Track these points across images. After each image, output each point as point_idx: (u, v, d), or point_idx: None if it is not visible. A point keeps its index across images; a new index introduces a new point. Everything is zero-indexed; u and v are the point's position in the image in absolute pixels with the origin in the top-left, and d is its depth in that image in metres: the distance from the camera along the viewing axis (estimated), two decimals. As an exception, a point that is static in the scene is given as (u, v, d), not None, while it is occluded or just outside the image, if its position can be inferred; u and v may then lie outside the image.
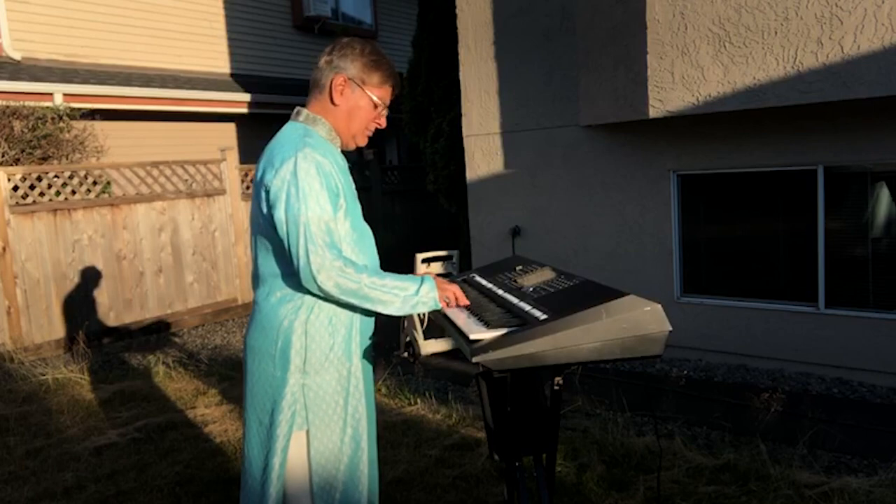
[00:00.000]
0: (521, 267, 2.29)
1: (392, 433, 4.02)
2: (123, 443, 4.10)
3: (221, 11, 10.52)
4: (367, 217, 2.53)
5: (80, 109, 7.84)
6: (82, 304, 6.87)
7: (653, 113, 4.85)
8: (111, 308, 7.10)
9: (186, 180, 7.81)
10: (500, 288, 2.12)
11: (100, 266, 7.00)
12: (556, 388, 2.04)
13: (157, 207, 7.48)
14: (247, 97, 9.90)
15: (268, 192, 1.88)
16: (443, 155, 7.63)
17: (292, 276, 1.88)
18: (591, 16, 5.36)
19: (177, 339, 7.05)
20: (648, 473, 3.35)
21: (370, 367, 2.12)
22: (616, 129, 5.61)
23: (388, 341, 5.86)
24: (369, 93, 2.00)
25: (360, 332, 2.01)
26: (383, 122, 2.08)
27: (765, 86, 4.40)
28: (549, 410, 2.12)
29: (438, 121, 7.77)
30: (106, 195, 7.15)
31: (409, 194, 10.65)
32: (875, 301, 4.73)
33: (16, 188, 6.45)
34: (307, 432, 1.93)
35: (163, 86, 9.01)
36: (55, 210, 6.66)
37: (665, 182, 5.44)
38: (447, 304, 1.99)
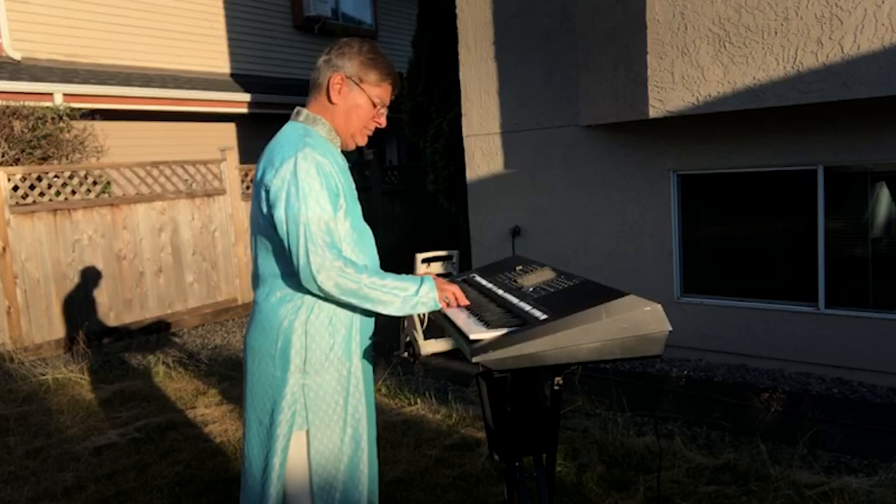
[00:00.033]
0: (521, 267, 2.29)
1: (392, 433, 4.02)
2: (123, 443, 4.10)
3: (221, 11, 10.52)
4: (367, 217, 2.53)
5: (80, 109, 7.84)
6: (82, 304, 6.87)
7: (653, 113, 4.85)
8: (111, 308, 7.10)
9: (186, 180, 7.82)
10: (500, 288, 2.12)
11: (100, 266, 7.00)
12: (556, 388, 2.04)
13: (157, 207, 7.48)
14: (247, 97, 9.90)
15: (268, 192, 1.88)
16: (443, 155, 7.63)
17: (292, 276, 1.88)
18: (591, 16, 5.36)
19: (177, 339, 7.05)
20: (648, 473, 3.35)
21: (370, 367, 2.12)
22: (616, 129, 5.61)
23: (388, 341, 5.86)
24: (367, 91, 2.00)
25: (360, 332, 2.01)
26: (383, 122, 2.07)
27: (765, 86, 4.40)
28: (549, 410, 2.12)
29: (438, 121, 7.77)
30: (106, 195, 7.15)
31: (409, 194, 10.65)
32: (875, 301, 4.73)
33: (16, 188, 6.45)
34: (307, 432, 1.93)
35: (163, 86, 9.01)
36: (55, 210, 6.66)
37: (665, 182, 5.44)
38: (447, 305, 1.99)
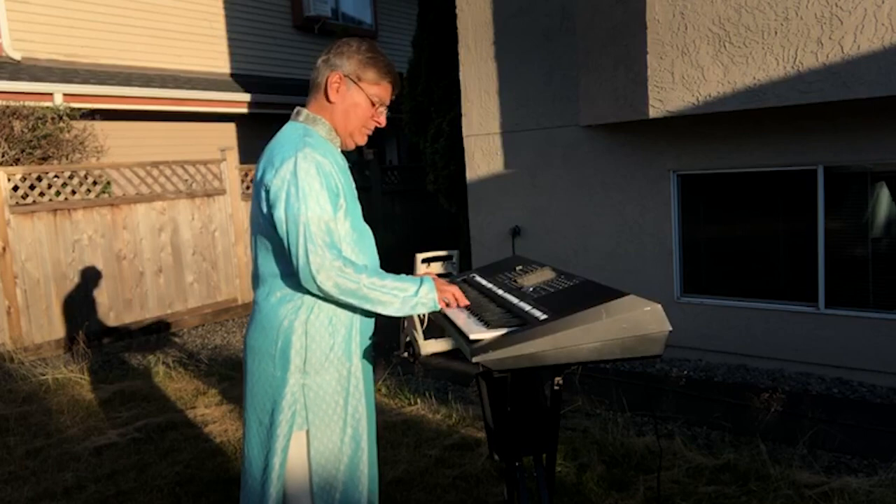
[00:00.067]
0: (521, 267, 2.29)
1: (392, 433, 4.02)
2: (123, 443, 4.10)
3: (221, 11, 10.52)
4: (367, 217, 2.53)
5: (80, 109, 7.84)
6: (82, 304, 6.87)
7: (653, 113, 4.85)
8: (111, 308, 7.10)
9: (186, 180, 7.82)
10: (500, 288, 2.12)
11: (100, 266, 7.00)
12: (556, 388, 2.04)
13: (157, 207, 7.48)
14: (247, 97, 9.90)
15: (268, 192, 1.88)
16: (443, 155, 7.63)
17: (292, 276, 1.88)
18: (591, 16, 5.36)
19: (177, 339, 7.05)
20: (648, 473, 3.35)
21: (370, 367, 2.12)
22: (616, 129, 5.61)
23: (388, 341, 5.86)
24: (365, 89, 2.00)
25: (360, 332, 2.01)
26: (382, 121, 2.07)
27: (765, 86, 4.40)
28: (549, 410, 2.12)
29: (438, 121, 7.77)
30: (106, 195, 7.15)
31: (409, 194, 10.65)
32: (875, 301, 4.73)
33: (16, 188, 6.45)
34: (307, 432, 1.93)
35: (163, 86, 9.01)
36: (55, 210, 6.66)
37: (665, 182, 5.44)
38: (446, 306, 1.99)
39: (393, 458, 3.67)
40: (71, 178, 6.86)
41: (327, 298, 1.89)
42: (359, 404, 2.00)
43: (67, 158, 7.62)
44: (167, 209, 7.57)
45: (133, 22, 9.43)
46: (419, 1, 8.24)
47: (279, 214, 1.84)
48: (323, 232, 1.83)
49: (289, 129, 1.99)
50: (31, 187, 6.53)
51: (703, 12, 4.55)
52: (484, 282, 2.27)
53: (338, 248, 1.85)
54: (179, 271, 7.70)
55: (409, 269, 4.33)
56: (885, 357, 4.65)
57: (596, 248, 5.87)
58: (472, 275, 2.44)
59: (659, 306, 1.65)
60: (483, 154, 6.45)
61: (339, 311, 1.95)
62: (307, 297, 1.91)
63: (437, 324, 2.11)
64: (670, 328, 1.66)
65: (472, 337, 1.70)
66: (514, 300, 1.94)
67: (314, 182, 1.84)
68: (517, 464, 2.14)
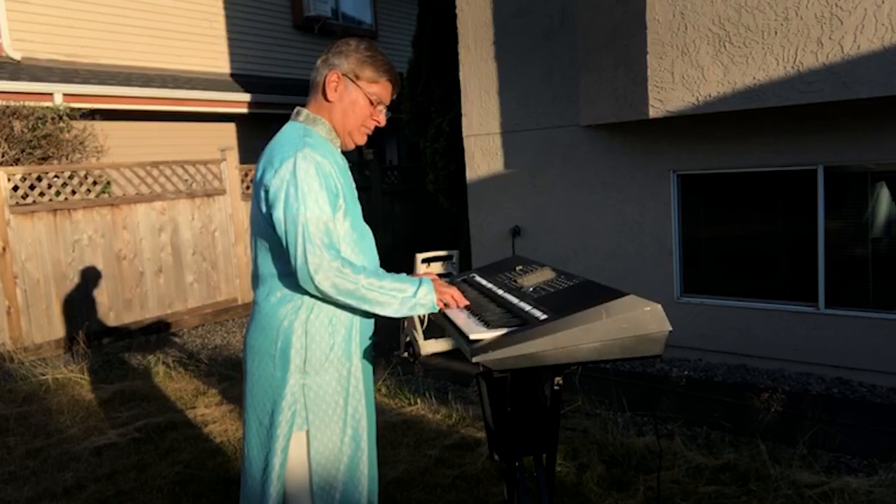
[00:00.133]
0: (521, 267, 2.29)
1: (392, 433, 4.02)
2: (123, 443, 4.10)
3: (221, 11, 10.52)
4: (367, 217, 2.53)
5: (80, 109, 7.84)
6: (82, 304, 6.87)
7: (653, 113, 4.85)
8: (111, 308, 7.10)
9: (186, 180, 7.82)
10: (500, 288, 2.12)
11: (100, 266, 7.00)
12: (556, 388, 2.04)
13: (157, 207, 7.48)
14: (247, 97, 9.90)
15: (267, 192, 1.88)
16: (443, 155, 7.63)
17: (292, 276, 1.88)
18: (591, 16, 5.36)
19: (177, 339, 7.05)
20: (648, 473, 3.35)
21: (370, 367, 2.12)
22: (616, 129, 5.61)
23: (388, 341, 5.86)
24: (364, 88, 2.00)
25: (360, 332, 2.01)
26: (382, 120, 2.07)
27: (765, 86, 4.40)
28: (549, 410, 2.12)
29: (438, 121, 7.77)
30: (106, 195, 7.15)
31: (409, 194, 10.65)
32: (875, 301, 4.73)
33: (16, 188, 6.45)
34: (307, 432, 1.93)
35: (163, 86, 9.01)
36: (55, 210, 6.66)
37: (665, 182, 5.44)
38: (445, 307, 1.99)
39: (393, 458, 3.67)
40: (71, 178, 6.86)
41: (326, 299, 1.89)
42: (359, 404, 2.00)
43: (67, 158, 7.62)
44: (167, 209, 7.57)
45: (133, 22, 9.43)
46: (419, 1, 8.24)
47: (278, 214, 1.84)
48: (321, 232, 1.82)
49: (289, 130, 1.99)
50: (31, 187, 6.53)
51: (703, 12, 4.55)
52: (484, 282, 2.27)
53: (336, 248, 1.85)
54: (179, 271, 7.70)
55: (409, 269, 4.33)
56: (885, 357, 4.65)
57: (596, 248, 5.87)
58: (472, 275, 2.44)
59: (659, 306, 1.65)
60: (483, 154, 6.45)
61: (339, 311, 1.95)
62: (307, 298, 1.91)
63: (437, 324, 2.11)
64: (670, 328, 1.66)
65: (472, 337, 1.70)
66: (514, 300, 1.94)
67: (313, 182, 1.84)
68: (517, 464, 2.14)
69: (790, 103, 4.35)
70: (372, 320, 2.07)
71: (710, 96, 4.60)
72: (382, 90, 2.03)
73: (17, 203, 6.42)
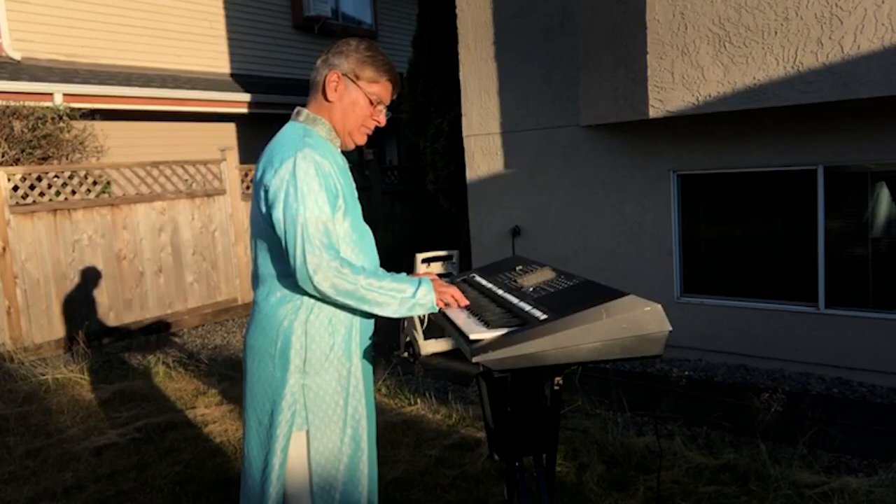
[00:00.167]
0: (521, 267, 2.29)
1: (392, 433, 4.02)
2: (123, 443, 4.10)
3: (221, 11, 10.52)
4: (367, 217, 2.53)
5: (80, 109, 7.84)
6: (82, 304, 6.87)
7: (653, 113, 4.85)
8: (111, 308, 7.10)
9: (186, 180, 7.82)
10: (500, 288, 2.12)
11: (100, 266, 7.00)
12: (556, 388, 2.04)
13: (157, 207, 7.48)
14: (247, 97, 9.90)
15: (266, 192, 1.88)
16: (443, 155, 7.63)
17: (292, 276, 1.88)
18: (591, 16, 5.36)
19: (177, 339, 7.05)
20: (648, 473, 3.35)
21: (370, 367, 2.12)
22: (616, 129, 5.61)
23: (388, 341, 5.86)
24: (364, 88, 2.00)
25: (360, 332, 2.01)
26: (382, 120, 2.07)
27: (765, 86, 4.40)
28: (549, 410, 2.12)
29: (438, 121, 7.77)
30: (106, 195, 7.15)
31: (409, 194, 10.65)
32: (875, 301, 4.73)
33: (16, 188, 6.45)
34: (307, 432, 1.93)
35: (163, 86, 9.01)
36: (55, 210, 6.66)
37: (665, 182, 5.44)
38: (445, 306, 1.99)
39: (393, 458, 3.67)
40: (71, 178, 6.86)
41: (325, 299, 1.88)
42: (359, 404, 2.00)
43: (67, 158, 7.62)
44: (167, 209, 7.57)
45: (133, 22, 9.43)
46: (419, 1, 8.24)
47: (277, 215, 1.84)
48: (321, 233, 1.82)
49: (289, 130, 1.99)
50: (31, 187, 6.53)
51: (703, 12, 4.55)
52: (484, 282, 2.27)
53: (335, 248, 1.85)
54: (179, 271, 7.70)
55: (409, 269, 4.33)
56: (885, 357, 4.65)
57: (596, 248, 5.87)
58: (472, 275, 2.43)
59: (659, 306, 1.65)
60: (483, 154, 6.45)
61: (339, 311, 1.95)
62: (307, 298, 1.91)
63: (437, 324, 2.11)
64: (670, 328, 1.65)
65: (472, 337, 1.70)
66: (514, 300, 1.94)
67: (313, 183, 1.84)
68: (517, 464, 2.14)
69: (790, 103, 4.35)
70: (372, 320, 2.07)
71: (710, 96, 4.60)
72: (382, 90, 2.03)
73: (17, 203, 6.42)
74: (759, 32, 4.37)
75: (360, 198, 2.16)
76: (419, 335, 5.43)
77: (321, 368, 1.92)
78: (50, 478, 3.67)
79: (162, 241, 7.53)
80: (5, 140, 7.04)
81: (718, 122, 5.09)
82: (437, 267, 5.71)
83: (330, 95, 1.99)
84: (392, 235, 10.11)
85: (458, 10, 6.46)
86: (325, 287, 1.82)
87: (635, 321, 1.64)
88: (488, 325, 1.77)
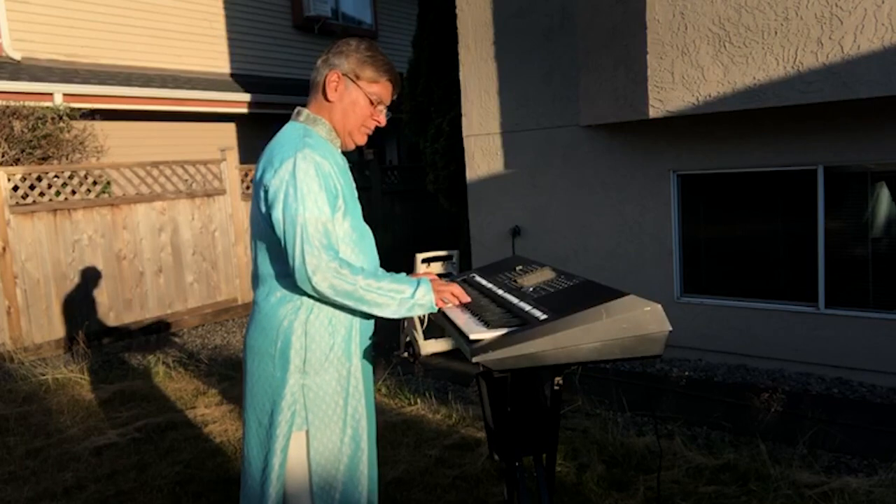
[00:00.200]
0: (521, 267, 2.29)
1: (392, 433, 4.02)
2: (123, 443, 4.10)
3: (221, 11, 10.52)
4: (367, 217, 2.53)
5: (80, 109, 7.84)
6: (82, 304, 6.87)
7: (653, 113, 4.85)
8: (111, 308, 7.10)
9: (186, 180, 7.82)
10: (500, 288, 2.12)
11: (100, 266, 7.00)
12: (556, 388, 2.04)
13: (157, 207, 7.48)
14: (247, 97, 9.90)
15: (266, 192, 1.88)
16: (443, 155, 7.63)
17: (291, 276, 1.88)
18: (591, 16, 5.36)
19: (177, 339, 7.05)
20: (648, 473, 3.35)
21: (370, 367, 2.12)
22: (616, 129, 5.61)
23: (388, 341, 5.86)
24: (364, 88, 2.00)
25: (360, 332, 2.01)
26: (382, 120, 2.07)
27: (765, 86, 4.40)
28: (549, 410, 2.12)
29: (438, 121, 7.77)
30: (106, 195, 7.15)
31: (409, 194, 10.65)
32: (875, 301, 4.73)
33: (16, 188, 6.45)
34: (307, 432, 1.93)
35: (163, 86, 9.01)
36: (55, 210, 6.66)
37: (665, 182, 5.44)
38: (444, 304, 1.99)
39: (393, 458, 3.67)
40: (71, 178, 6.86)
41: (324, 300, 1.88)
42: (358, 404, 2.00)
43: (67, 158, 7.62)
44: (167, 209, 7.57)
45: (133, 22, 9.43)
46: (419, 1, 8.24)
47: (277, 215, 1.84)
48: (320, 233, 1.82)
49: (289, 130, 1.99)
50: (31, 187, 6.53)
51: (703, 12, 4.55)
52: (484, 282, 2.27)
53: (335, 249, 1.85)
54: (179, 271, 7.70)
55: (409, 269, 4.33)
56: (885, 357, 4.65)
57: (596, 248, 5.87)
58: (472, 275, 2.43)
59: (659, 306, 1.65)
60: (483, 154, 6.45)
61: (339, 311, 1.95)
62: (307, 298, 1.91)
63: (437, 324, 2.11)
64: (670, 328, 1.65)
65: (472, 337, 1.70)
66: (514, 300, 1.94)
67: (312, 183, 1.84)
68: (517, 464, 2.14)
69: (790, 103, 4.35)
70: (372, 320, 2.07)
71: (710, 96, 4.60)
72: (383, 90, 2.03)
73: (17, 203, 6.42)
74: (759, 32, 4.37)
75: (360, 198, 2.16)
76: (419, 335, 5.43)
77: (321, 368, 1.92)
78: (50, 478, 3.67)
79: (162, 241, 7.53)
80: (5, 140, 7.04)
81: (718, 122, 5.09)
82: (437, 267, 5.71)
83: (330, 95, 1.99)
84: (392, 235, 10.11)
85: (458, 10, 6.46)
86: (324, 287, 1.82)
87: (635, 321, 1.64)
88: (488, 325, 1.77)
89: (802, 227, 4.96)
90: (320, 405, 1.93)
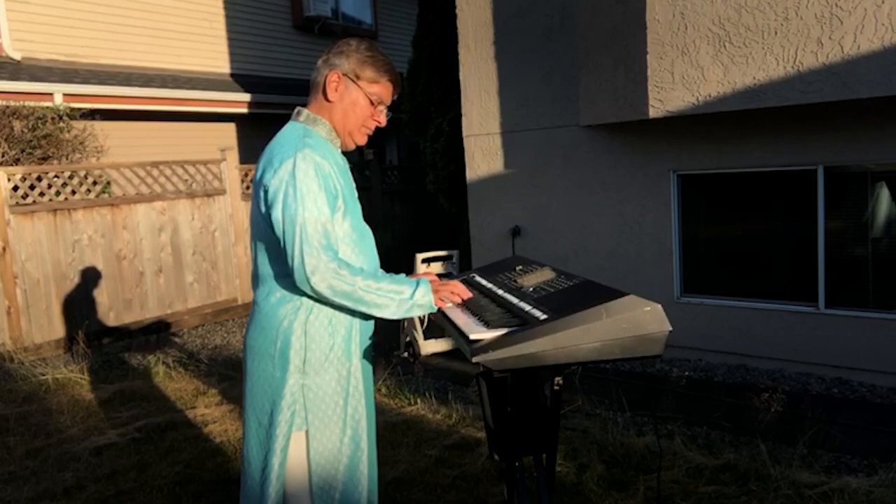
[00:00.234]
0: (521, 267, 2.29)
1: (392, 433, 4.02)
2: (123, 443, 4.10)
3: (221, 11, 10.52)
4: (367, 217, 2.53)
5: (80, 109, 7.84)
6: (82, 304, 6.87)
7: (653, 113, 4.85)
8: (111, 308, 7.10)
9: (186, 180, 7.82)
10: (500, 288, 2.12)
11: (100, 266, 7.00)
12: (556, 388, 2.04)
13: (157, 207, 7.48)
14: (247, 97, 9.90)
15: (266, 192, 1.88)
16: (443, 155, 7.63)
17: (291, 276, 1.88)
18: (591, 16, 5.36)
19: (177, 339, 7.05)
20: (648, 473, 3.35)
21: (370, 368, 2.12)
22: (616, 129, 5.61)
23: (388, 341, 5.86)
24: (364, 88, 2.00)
25: (359, 332, 2.01)
26: (383, 120, 2.07)
27: (765, 86, 4.40)
28: (549, 410, 2.12)
29: (438, 121, 7.77)
30: (106, 195, 7.15)
31: (409, 194, 10.65)
32: (875, 301, 4.73)
33: (16, 188, 6.45)
34: (306, 432, 1.93)
35: (163, 86, 9.01)
36: (55, 210, 6.66)
37: (665, 182, 5.44)
38: (444, 304, 1.99)
39: (393, 458, 3.67)
40: (71, 178, 6.86)
41: (323, 300, 1.88)
42: (358, 404, 2.00)
43: (67, 158, 7.62)
44: (167, 209, 7.57)
45: (133, 22, 9.43)
46: (419, 1, 8.24)
47: (276, 215, 1.84)
48: (319, 234, 1.82)
49: (289, 130, 1.99)
50: (31, 187, 6.53)
51: (703, 12, 4.55)
52: (484, 282, 2.26)
53: (334, 249, 1.85)
54: (179, 271, 7.70)
55: (409, 269, 4.33)
56: (885, 357, 4.65)
57: (596, 248, 5.87)
58: (472, 275, 2.43)
59: (659, 306, 1.65)
60: (483, 154, 6.45)
61: (339, 311, 1.94)
62: (306, 298, 1.91)
63: (437, 324, 2.11)
64: (670, 328, 1.65)
65: (472, 337, 1.70)
66: (514, 300, 1.94)
67: (312, 183, 1.84)
68: (517, 464, 2.14)
69: (790, 103, 4.35)
70: (372, 321, 2.07)
71: (710, 96, 4.60)
72: (383, 90, 2.03)
73: (17, 203, 6.42)
74: (759, 32, 4.37)
75: (360, 198, 2.16)
76: (419, 335, 5.43)
77: (321, 368, 1.92)
78: (50, 478, 3.67)
79: (162, 241, 7.53)
80: (5, 140, 7.04)
81: (718, 122, 5.09)
82: (437, 267, 5.71)
83: (330, 95, 1.99)
84: (392, 235, 10.11)
85: (458, 10, 6.46)
86: (323, 288, 1.82)
87: (635, 321, 1.64)
88: (488, 325, 1.77)
89: (802, 227, 4.96)
90: (320, 405, 1.93)
